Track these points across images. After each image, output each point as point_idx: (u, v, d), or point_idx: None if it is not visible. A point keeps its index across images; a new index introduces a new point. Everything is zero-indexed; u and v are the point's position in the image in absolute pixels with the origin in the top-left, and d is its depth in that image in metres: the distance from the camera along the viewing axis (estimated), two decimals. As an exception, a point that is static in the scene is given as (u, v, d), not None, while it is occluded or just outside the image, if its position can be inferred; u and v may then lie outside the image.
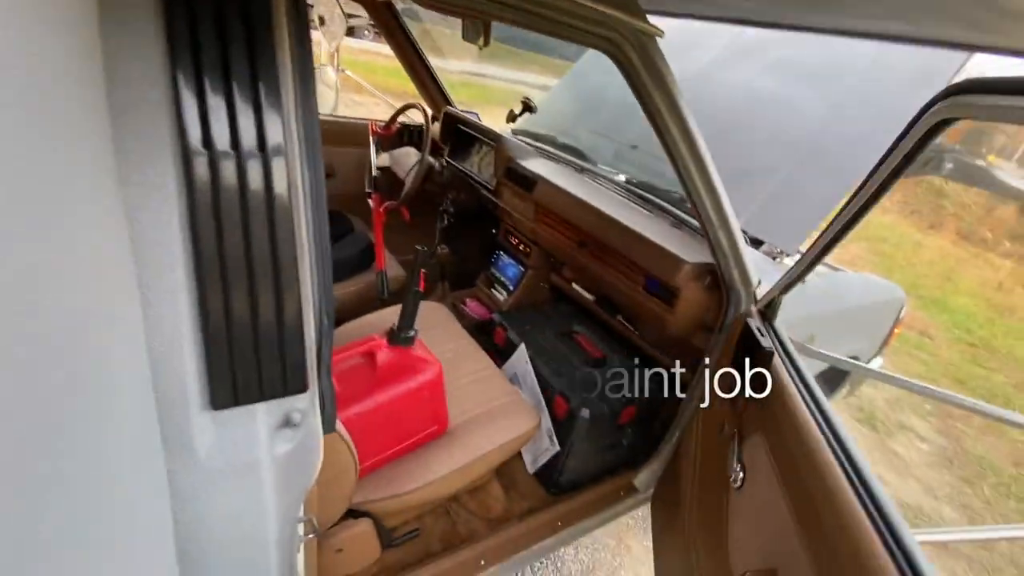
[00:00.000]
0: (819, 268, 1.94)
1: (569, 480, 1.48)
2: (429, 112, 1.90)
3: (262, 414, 0.61)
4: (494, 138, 1.94)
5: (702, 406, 1.33)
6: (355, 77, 2.76)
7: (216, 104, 0.49)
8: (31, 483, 0.35)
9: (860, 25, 0.83)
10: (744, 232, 1.76)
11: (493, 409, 1.33)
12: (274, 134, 0.52)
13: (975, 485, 2.75)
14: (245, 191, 0.52)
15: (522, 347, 1.58)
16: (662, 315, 1.39)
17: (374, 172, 1.94)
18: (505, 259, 2.14)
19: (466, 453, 1.21)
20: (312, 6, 2.17)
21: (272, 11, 0.52)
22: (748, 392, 1.03)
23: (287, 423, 0.63)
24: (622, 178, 1.82)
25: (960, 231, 8.69)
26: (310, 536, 0.78)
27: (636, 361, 1.62)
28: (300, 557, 0.82)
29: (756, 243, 1.76)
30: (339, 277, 1.76)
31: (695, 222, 1.32)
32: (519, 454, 1.58)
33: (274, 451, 0.63)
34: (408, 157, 1.98)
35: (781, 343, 1.08)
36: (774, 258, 1.73)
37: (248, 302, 0.55)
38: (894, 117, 1.52)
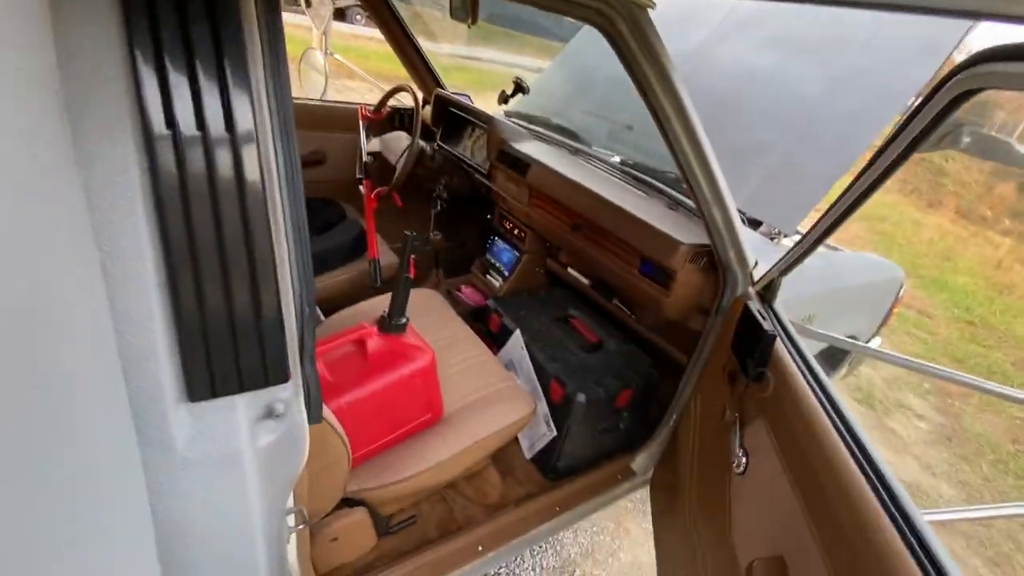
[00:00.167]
0: (818, 248, 1.92)
1: (566, 465, 1.47)
2: (419, 95, 1.86)
3: (242, 406, 0.59)
4: (486, 120, 1.90)
5: (699, 389, 1.32)
6: (343, 61, 2.70)
7: (178, 81, 0.46)
8: None
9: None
10: (742, 213, 1.74)
11: (488, 395, 1.32)
12: (243, 114, 0.50)
13: (973, 462, 2.76)
14: (214, 175, 0.50)
15: (517, 333, 1.56)
16: (658, 298, 1.38)
17: (365, 158, 1.90)
18: (500, 244, 2.12)
19: (461, 440, 1.20)
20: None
21: None
22: (750, 376, 1.01)
23: (269, 414, 0.61)
24: (617, 159, 1.78)
25: (960, 209, 8.65)
26: (300, 527, 0.77)
27: (632, 345, 1.61)
28: (291, 548, 0.82)
29: (754, 224, 1.74)
30: (331, 265, 1.74)
31: (691, 203, 1.30)
32: (516, 440, 1.58)
33: (256, 443, 0.61)
34: (399, 141, 1.94)
35: (782, 325, 1.06)
36: (772, 239, 1.70)
37: (223, 292, 0.53)
38: (894, 91, 1.49)
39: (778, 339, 0.99)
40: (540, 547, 1.70)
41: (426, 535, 1.27)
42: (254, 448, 0.61)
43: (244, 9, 0.50)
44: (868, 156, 0.90)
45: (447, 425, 1.23)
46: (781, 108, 1.64)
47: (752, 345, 1.01)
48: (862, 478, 0.67)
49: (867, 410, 3.00)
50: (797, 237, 1.30)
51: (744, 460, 0.97)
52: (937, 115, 0.70)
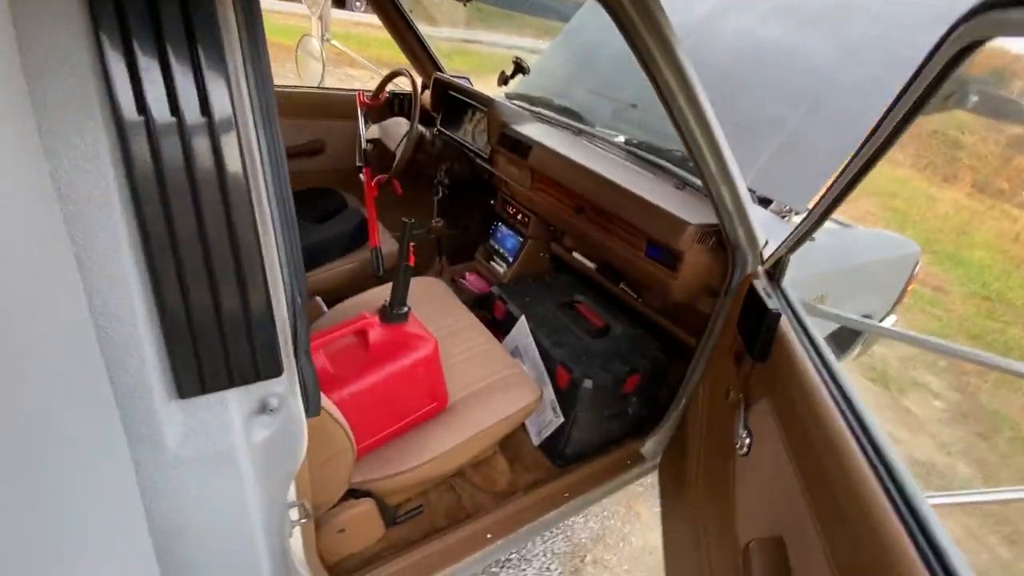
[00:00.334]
0: (830, 226, 1.87)
1: (575, 451, 1.46)
2: (418, 79, 1.82)
3: (235, 401, 0.57)
4: (486, 103, 1.86)
5: (708, 372, 1.29)
6: (341, 47, 2.65)
7: (148, 65, 0.44)
8: None
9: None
10: (752, 191, 1.69)
11: (494, 383, 1.30)
12: (220, 98, 0.47)
13: (990, 440, 2.72)
14: (192, 163, 0.47)
15: (522, 319, 1.54)
16: (665, 280, 1.34)
17: (364, 145, 1.87)
18: (503, 230, 2.09)
19: (467, 428, 1.19)
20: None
21: None
22: (754, 356, 0.98)
23: (263, 409, 0.60)
24: (621, 139, 1.74)
25: (976, 183, 8.44)
26: (304, 520, 0.76)
27: (640, 329, 1.59)
28: (296, 541, 0.81)
29: (765, 203, 1.69)
30: (333, 256, 1.72)
31: (698, 181, 1.26)
32: (524, 427, 1.56)
33: (252, 439, 0.60)
34: (398, 127, 1.91)
35: (789, 304, 1.03)
36: (783, 216, 1.66)
37: (207, 284, 0.51)
38: (909, 59, 1.43)
39: (784, 318, 0.96)
40: (551, 532, 1.70)
41: (434, 524, 1.27)
42: (249, 444, 0.60)
43: None
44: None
45: (452, 414, 1.22)
46: (790, 81, 1.59)
47: (757, 324, 0.98)
48: (862, 458, 0.65)
49: (881, 390, 2.95)
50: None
51: (748, 441, 0.95)
52: (941, 71, 0.66)
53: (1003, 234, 6.41)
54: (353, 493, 1.11)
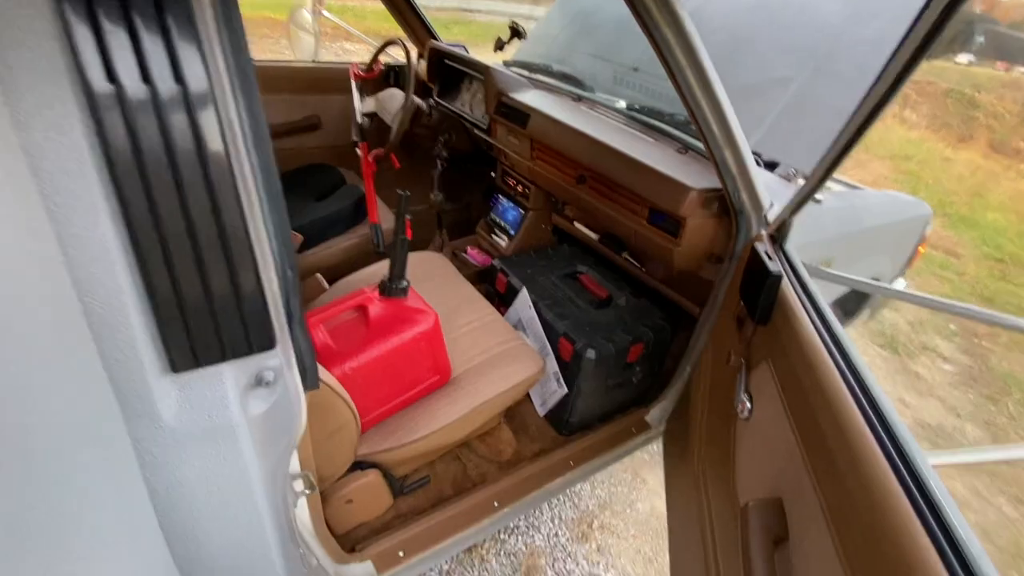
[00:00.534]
0: (837, 188, 1.82)
1: (579, 421, 1.47)
2: (413, 49, 1.77)
3: (229, 375, 0.57)
4: (483, 71, 1.81)
5: (712, 339, 1.28)
6: (335, 19, 2.58)
7: (115, 30, 0.42)
8: None
9: None
10: (757, 155, 1.64)
11: (496, 356, 1.30)
12: (192, 66, 0.46)
13: (1000, 402, 2.71)
14: (168, 132, 0.46)
15: (524, 291, 1.53)
16: (668, 248, 1.32)
17: (359, 119, 1.84)
18: (504, 203, 2.06)
19: (470, 400, 1.19)
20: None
21: None
22: (756, 319, 0.97)
23: (260, 383, 0.60)
24: (623, 104, 1.69)
25: (992, 143, 8.21)
26: (309, 491, 0.77)
27: (644, 299, 1.57)
28: (302, 511, 0.82)
29: (771, 167, 1.65)
30: (333, 232, 1.71)
31: (701, 145, 1.23)
32: (529, 399, 1.57)
33: (249, 412, 0.60)
34: (394, 100, 1.87)
35: (791, 266, 1.01)
36: (789, 180, 1.62)
37: (192, 257, 0.50)
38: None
39: (787, 281, 0.95)
40: (558, 499, 1.73)
41: (442, 494, 1.29)
42: (247, 417, 0.60)
43: None
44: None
45: (456, 386, 1.22)
46: (797, 39, 1.52)
47: (758, 287, 0.97)
48: (860, 417, 0.64)
49: (890, 355, 2.94)
50: (814, 176, 1.22)
51: (748, 405, 0.95)
52: (945, 8, 0.63)
53: (1019, 195, 6.26)
54: (359, 465, 1.12)
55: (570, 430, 1.48)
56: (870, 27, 1.46)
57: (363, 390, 1.03)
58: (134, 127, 0.44)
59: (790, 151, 1.45)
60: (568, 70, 1.89)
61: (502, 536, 1.58)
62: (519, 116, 1.65)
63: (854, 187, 1.82)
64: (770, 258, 1.00)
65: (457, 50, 1.99)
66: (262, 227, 0.56)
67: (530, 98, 1.70)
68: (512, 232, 1.99)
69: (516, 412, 1.54)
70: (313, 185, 1.87)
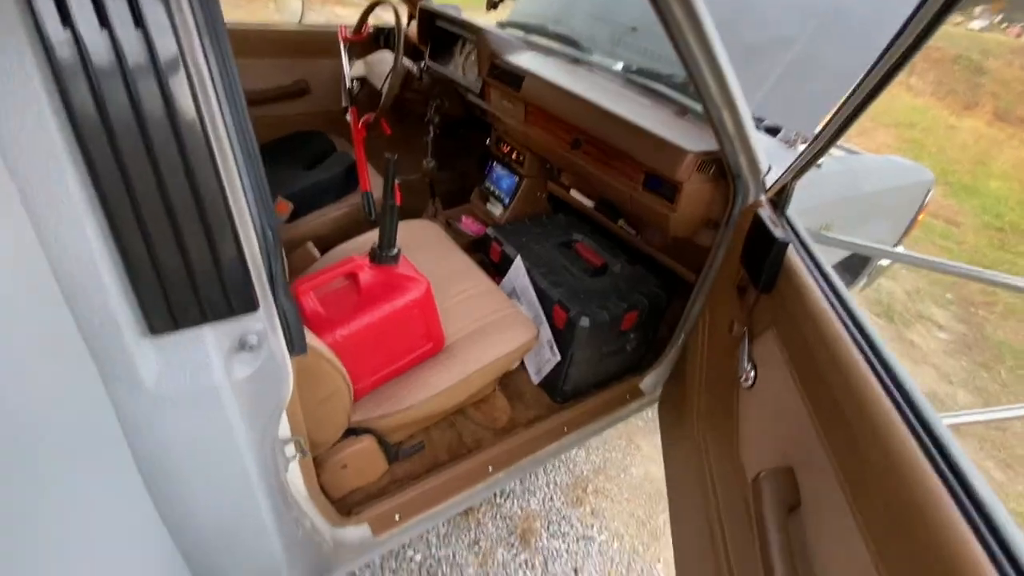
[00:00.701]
0: (837, 153, 1.79)
1: (573, 388, 1.48)
2: (403, 10, 1.70)
3: (211, 338, 0.56)
4: (475, 32, 1.74)
5: (708, 306, 1.27)
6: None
7: None
8: None
9: None
10: (758, 120, 1.60)
11: (490, 324, 1.30)
12: (153, 11, 0.43)
13: (992, 369, 2.73)
14: (132, 87, 0.43)
15: (518, 260, 1.51)
16: (664, 214, 1.30)
17: (349, 84, 1.78)
18: (499, 170, 2.02)
19: (464, 368, 1.19)
20: None
21: None
22: (760, 287, 0.96)
23: (243, 346, 0.59)
24: (620, 66, 1.64)
25: (997, 111, 8.06)
26: (300, 456, 0.77)
27: (639, 266, 1.56)
28: (295, 476, 0.83)
29: (772, 132, 1.61)
30: (324, 201, 1.68)
31: (699, 106, 1.19)
32: (524, 367, 1.58)
33: (233, 375, 0.59)
34: (384, 63, 1.81)
35: (795, 232, 0.99)
36: (790, 145, 1.58)
37: (166, 217, 0.49)
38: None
39: (791, 247, 0.93)
40: (554, 465, 1.75)
41: (437, 460, 1.30)
42: (231, 381, 0.59)
43: None
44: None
45: (449, 354, 1.22)
46: (802, -5, 1.46)
47: (763, 254, 0.95)
48: (876, 383, 0.63)
49: (886, 323, 2.94)
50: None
51: (752, 374, 0.94)
52: None
53: (1021, 163, 6.18)
54: (354, 432, 1.13)
55: (564, 397, 1.49)
56: (878, -19, 1.40)
57: (355, 358, 1.03)
58: (92, 74, 0.42)
59: (790, 113, 1.41)
60: (564, 31, 1.83)
61: (498, 500, 1.61)
62: (513, 79, 1.60)
63: (853, 152, 1.79)
64: (775, 225, 0.97)
65: (449, 11, 1.92)
66: (239, 186, 0.54)
67: (524, 60, 1.65)
68: (507, 200, 1.96)
69: (511, 380, 1.55)
70: (302, 153, 1.82)
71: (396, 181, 1.05)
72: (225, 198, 0.51)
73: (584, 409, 1.44)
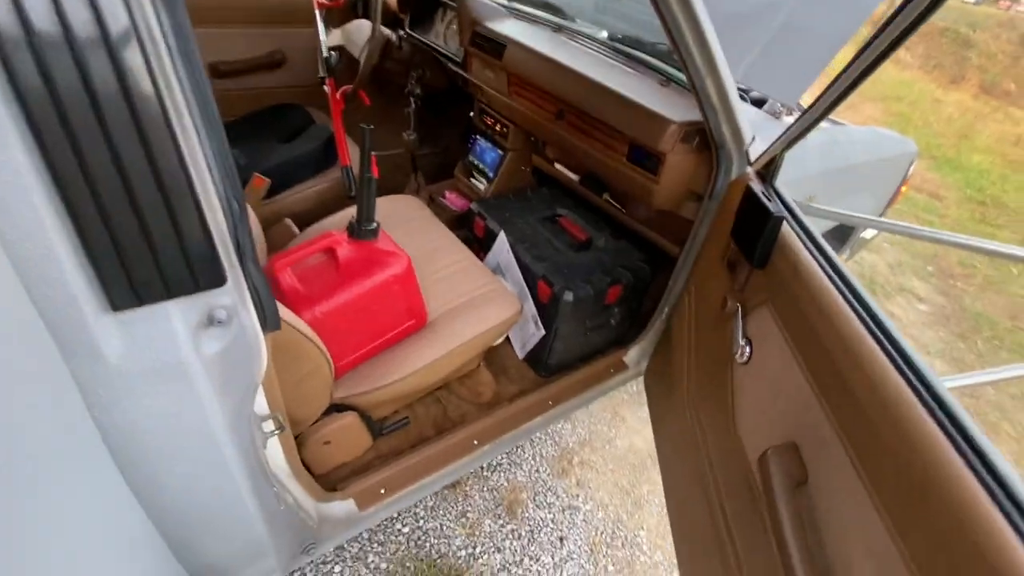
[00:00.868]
0: (821, 124, 1.77)
1: (558, 362, 1.48)
2: None
3: (177, 313, 0.55)
4: (456, -1, 1.69)
5: (693, 280, 1.27)
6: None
7: None
8: None
9: None
10: (743, 91, 1.58)
11: (473, 300, 1.29)
12: None
13: (969, 340, 2.79)
14: (78, 53, 0.41)
15: (502, 235, 1.50)
16: (647, 187, 1.29)
17: (325, 54, 1.72)
18: (482, 144, 1.98)
19: (447, 343, 1.19)
20: None
21: None
22: (754, 262, 0.94)
23: (212, 322, 0.57)
24: (604, 34, 1.60)
25: (983, 84, 8.08)
26: (279, 432, 0.76)
27: (623, 240, 1.55)
28: (275, 452, 0.82)
29: (759, 104, 1.59)
30: (302, 176, 1.64)
31: (683, 76, 1.16)
32: (509, 342, 1.58)
33: (202, 351, 0.58)
34: (361, 32, 1.74)
35: (787, 206, 0.98)
36: (776, 116, 1.57)
37: (122, 187, 0.46)
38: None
39: (784, 222, 0.92)
40: (540, 438, 1.77)
41: (422, 435, 1.30)
42: (200, 357, 0.58)
43: None
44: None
45: (432, 330, 1.21)
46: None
47: (757, 229, 0.93)
48: (880, 352, 0.62)
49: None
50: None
51: (747, 350, 0.94)
52: None
53: (1004, 137, 6.23)
54: (337, 408, 1.12)
55: (549, 371, 1.49)
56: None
57: (335, 334, 1.01)
58: (43, 56, 0.39)
59: (775, 83, 1.39)
60: (548, -3, 1.78)
61: (485, 473, 1.63)
62: (495, 47, 1.56)
63: (836, 122, 1.78)
64: (769, 199, 0.96)
65: (429, -24, 1.85)
66: (200, 156, 0.51)
67: (507, 28, 1.60)
68: (491, 175, 1.93)
69: (496, 355, 1.55)
70: (279, 126, 1.77)
71: (373, 153, 1.02)
72: (186, 169, 0.49)
73: (569, 383, 1.45)
